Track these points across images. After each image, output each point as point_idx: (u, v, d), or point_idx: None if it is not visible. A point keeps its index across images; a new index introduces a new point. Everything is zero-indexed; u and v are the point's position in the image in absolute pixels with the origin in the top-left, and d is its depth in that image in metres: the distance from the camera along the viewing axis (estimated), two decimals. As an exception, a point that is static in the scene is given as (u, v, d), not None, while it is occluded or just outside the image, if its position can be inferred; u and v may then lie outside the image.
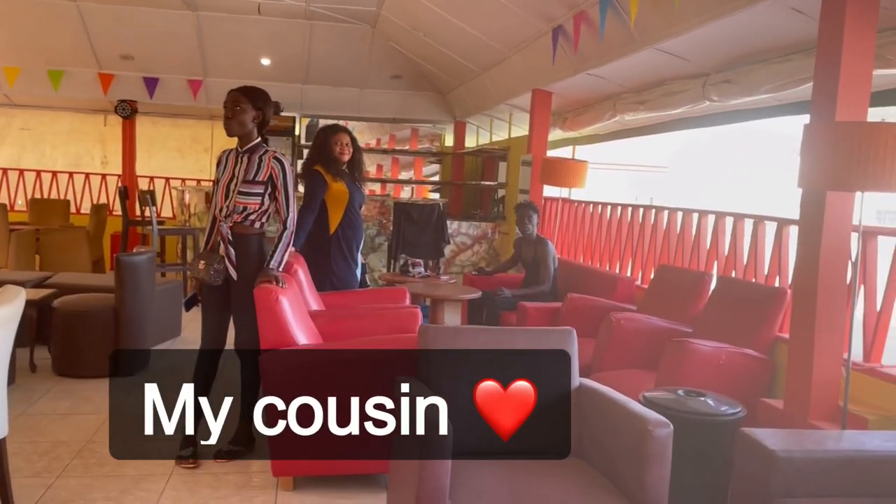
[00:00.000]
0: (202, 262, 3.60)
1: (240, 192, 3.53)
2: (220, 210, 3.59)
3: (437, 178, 11.96)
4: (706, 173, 21.28)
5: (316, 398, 3.30)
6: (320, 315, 4.14)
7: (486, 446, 2.83)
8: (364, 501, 3.23)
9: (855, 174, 2.71)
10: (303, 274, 4.21)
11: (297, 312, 3.55)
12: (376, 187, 11.94)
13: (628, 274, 5.91)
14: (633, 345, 4.30)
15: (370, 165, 12.20)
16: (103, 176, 11.58)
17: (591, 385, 2.93)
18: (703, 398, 3.30)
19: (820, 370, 3.16)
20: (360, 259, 5.02)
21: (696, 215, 5.08)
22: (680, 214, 5.30)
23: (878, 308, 3.35)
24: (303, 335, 3.50)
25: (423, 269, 6.30)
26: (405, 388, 2.74)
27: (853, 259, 3.01)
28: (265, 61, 9.85)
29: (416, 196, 11.74)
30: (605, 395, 2.79)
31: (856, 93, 3.04)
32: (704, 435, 3.19)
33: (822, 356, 3.17)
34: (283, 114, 10.03)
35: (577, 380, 2.95)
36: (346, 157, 4.73)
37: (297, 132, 10.48)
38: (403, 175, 12.19)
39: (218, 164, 3.67)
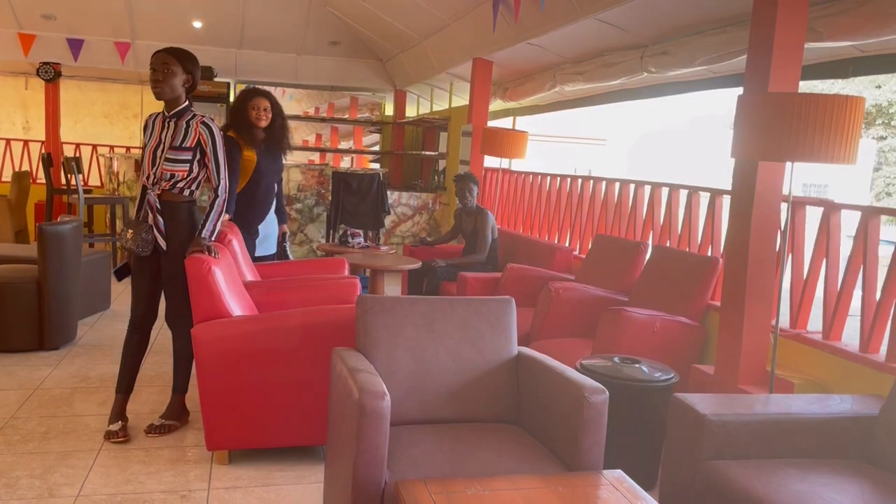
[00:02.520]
0: (130, 231, 3.46)
1: (167, 160, 3.39)
2: (148, 177, 3.45)
3: (377, 148, 11.81)
4: (643, 146, 21.67)
5: (251, 370, 3.25)
6: (256, 286, 4.04)
7: (428, 415, 2.82)
8: (302, 473, 3.19)
9: (786, 145, 2.76)
10: (237, 244, 4.10)
11: (230, 283, 3.46)
12: (315, 156, 11.73)
13: (567, 244, 5.97)
14: (570, 313, 4.36)
15: (309, 134, 11.96)
16: (25, 142, 11.02)
17: (530, 353, 2.94)
18: (637, 365, 3.37)
19: (749, 337, 3.26)
20: (277, 229, 4.82)
21: (632, 186, 5.15)
22: (617, 185, 5.36)
23: (805, 276, 3.46)
24: (237, 306, 3.41)
25: (362, 240, 6.23)
26: (342, 358, 2.70)
27: (782, 228, 3.09)
28: (197, 24, 9.48)
29: (356, 166, 11.58)
30: (543, 364, 2.80)
31: (788, 65, 3.10)
32: (639, 400, 3.26)
33: (752, 323, 3.26)
34: (216, 79, 9.81)
35: (515, 348, 2.96)
36: (263, 124, 4.42)
37: (231, 99, 10.16)
38: (343, 145, 12.00)
39: (144, 129, 3.51)
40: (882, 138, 25.06)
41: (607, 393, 2.46)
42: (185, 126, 3.41)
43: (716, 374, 3.41)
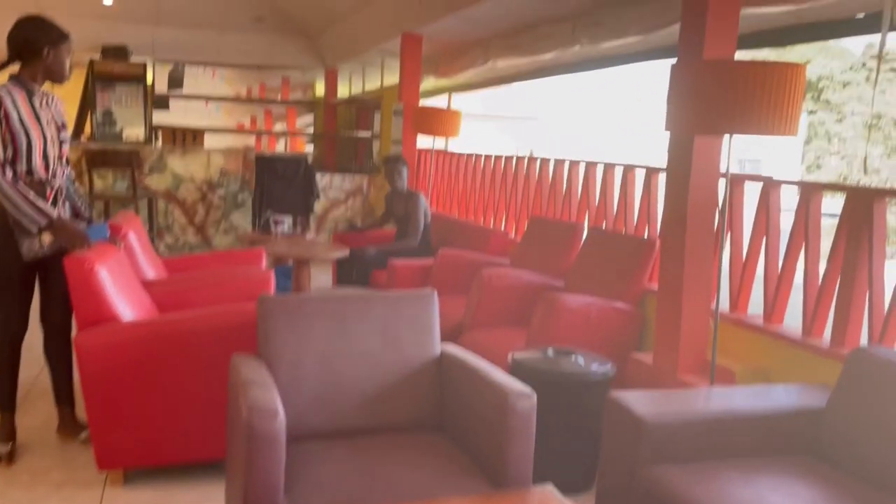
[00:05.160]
0: (49, 236, 3.01)
1: (62, 141, 3.06)
2: (48, 167, 3.01)
3: (310, 131, 11.36)
4: (577, 122, 21.61)
5: (145, 380, 2.90)
6: (158, 284, 3.67)
7: (340, 426, 2.54)
8: (206, 493, 2.87)
9: (724, 116, 2.54)
10: (135, 237, 3.71)
11: (120, 283, 3.08)
12: (251, 140, 11.22)
13: (502, 227, 5.72)
14: (504, 301, 4.11)
15: (244, 116, 11.43)
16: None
17: (453, 353, 2.67)
18: (572, 357, 3.14)
19: (688, 322, 3.06)
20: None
21: (566, 164, 4.91)
22: (551, 164, 5.13)
23: (744, 257, 3.28)
24: (129, 309, 3.04)
25: (286, 227, 5.85)
26: (238, 368, 2.39)
27: (720, 207, 2.88)
28: (107, 0, 8.86)
29: (289, 149, 11.12)
30: (467, 364, 2.54)
31: (724, 30, 2.89)
32: (574, 396, 3.03)
33: (691, 307, 3.06)
34: (133, 59, 9.21)
35: (438, 348, 2.69)
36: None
37: (149, 80, 9.56)
38: (278, 127, 11.50)
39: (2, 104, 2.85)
40: (812, 112, 25.65)
41: (534, 398, 2.21)
42: (50, 99, 3.06)
43: (654, 364, 3.21)
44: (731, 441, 2.35)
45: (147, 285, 3.60)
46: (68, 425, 3.28)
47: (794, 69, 2.45)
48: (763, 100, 2.45)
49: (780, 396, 2.52)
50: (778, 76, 2.43)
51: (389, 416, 2.57)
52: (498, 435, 2.21)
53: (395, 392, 2.59)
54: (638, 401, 2.40)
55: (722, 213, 2.80)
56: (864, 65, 24.56)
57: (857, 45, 24.65)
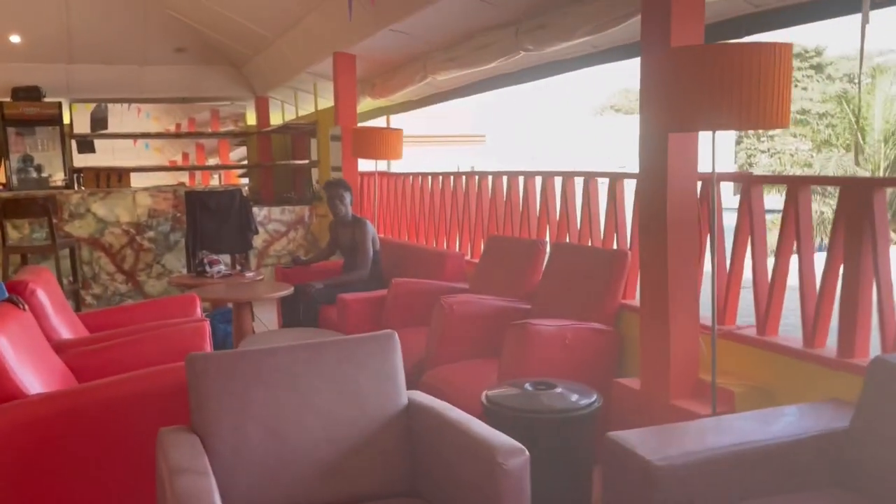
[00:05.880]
0: None
1: None
2: None
3: (245, 162, 10.86)
4: (525, 139, 21.57)
5: (53, 469, 2.44)
6: (74, 345, 3.20)
7: (298, 500, 2.14)
8: None
9: (701, 110, 2.26)
10: (44, 294, 3.23)
11: (25, 350, 2.62)
12: (184, 177, 10.64)
13: (457, 249, 5.39)
14: (468, 331, 3.76)
15: (175, 154, 10.85)
16: None
17: (422, 401, 2.31)
18: (554, 389, 2.80)
19: (678, 341, 2.76)
20: None
21: (521, 178, 4.61)
22: (505, 178, 4.82)
23: (728, 263, 3.01)
24: (37, 380, 2.59)
25: (223, 268, 5.38)
26: (165, 449, 1.97)
27: (712, 209, 2.60)
28: (15, 38, 8.26)
29: (224, 183, 10.58)
30: (441, 415, 2.18)
31: (690, 16, 2.62)
32: (560, 434, 2.70)
33: (679, 324, 2.77)
34: (46, 100, 8.62)
35: (404, 397, 2.32)
36: None
37: (66, 120, 8.96)
38: (211, 162, 10.96)
39: None
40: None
41: (527, 454, 1.86)
42: None
43: (642, 389, 2.90)
44: (749, 478, 2.04)
45: (62, 348, 3.13)
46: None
47: (781, 49, 2.19)
48: (747, 88, 2.18)
49: (794, 420, 2.23)
50: (763, 59, 2.16)
51: (355, 485, 2.18)
52: (488, 500, 1.85)
53: (359, 456, 2.21)
54: (640, 440, 2.07)
55: (711, 217, 2.51)
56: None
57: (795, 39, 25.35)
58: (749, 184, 2.85)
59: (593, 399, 2.76)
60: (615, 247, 3.72)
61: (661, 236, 2.74)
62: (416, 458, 2.24)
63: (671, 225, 2.71)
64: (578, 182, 4.07)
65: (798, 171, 22.09)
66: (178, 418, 2.29)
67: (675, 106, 2.36)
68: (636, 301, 3.51)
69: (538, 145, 21.61)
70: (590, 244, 3.91)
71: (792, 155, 25.17)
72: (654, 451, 1.99)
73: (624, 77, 30.63)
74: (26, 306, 2.91)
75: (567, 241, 4.09)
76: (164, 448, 1.97)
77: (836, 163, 18.34)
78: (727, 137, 23.92)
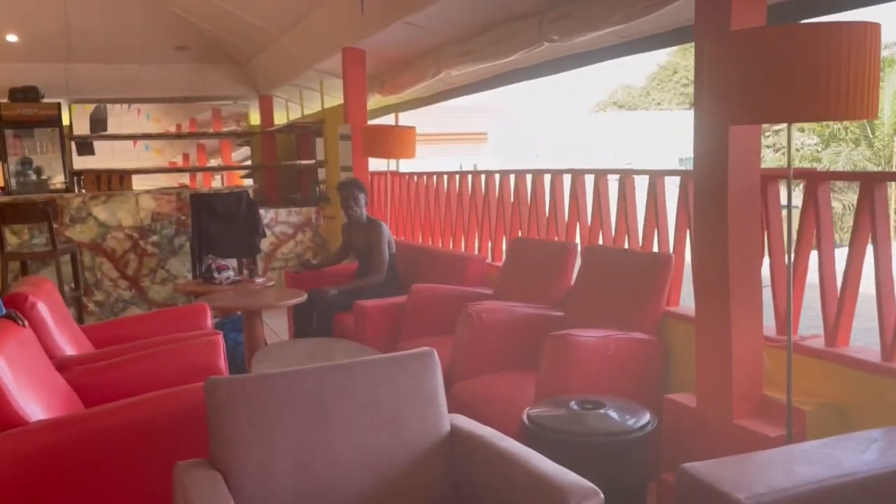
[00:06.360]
0: None
1: None
2: None
3: (248, 163, 10.62)
4: (526, 136, 21.26)
5: (61, 500, 2.21)
6: (79, 363, 2.96)
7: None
8: None
9: (772, 100, 2.02)
10: (45, 308, 2.99)
11: (26, 372, 2.39)
12: (185, 178, 10.41)
13: (476, 251, 5.14)
14: (498, 341, 3.52)
15: (175, 155, 10.63)
16: None
17: (467, 427, 2.07)
18: (602, 410, 2.57)
19: (740, 354, 2.52)
20: None
21: (548, 177, 4.37)
22: (529, 177, 4.57)
23: (790, 267, 2.75)
24: (39, 406, 2.35)
25: (231, 273, 5.14)
26: (183, 485, 1.73)
27: (791, 209, 2.36)
28: (11, 38, 8.02)
29: (227, 184, 10.35)
30: (491, 445, 1.94)
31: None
32: (612, 459, 2.46)
33: (741, 336, 2.52)
34: (44, 100, 8.38)
35: (446, 423, 2.08)
36: None
37: (66, 121, 8.72)
38: (213, 163, 10.74)
39: None
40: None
41: (601, 496, 1.62)
42: None
43: (699, 407, 2.65)
44: (846, 514, 1.80)
45: (65, 366, 2.90)
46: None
47: (870, 29, 1.95)
48: (834, 74, 1.93)
49: (886, 446, 1.99)
50: (854, 40, 1.92)
51: (395, 523, 1.95)
52: (556, 550, 1.61)
53: (397, 489, 1.98)
54: (719, 473, 1.83)
55: (789, 218, 2.27)
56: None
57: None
58: (816, 181, 2.60)
59: (647, 420, 2.53)
60: (655, 249, 3.48)
61: (721, 239, 2.50)
62: (462, 493, 2.00)
63: (732, 226, 2.47)
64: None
65: (805, 167, 21.79)
66: (194, 444, 2.06)
67: (741, 96, 2.12)
68: (681, 308, 3.28)
69: (540, 143, 21.29)
70: (626, 246, 3.67)
71: (798, 150, 24.86)
72: (738, 486, 1.74)
73: (625, 74, 30.41)
74: (26, 322, 2.68)
75: (600, 242, 3.85)
76: (181, 485, 1.73)
77: (846, 157, 18.09)
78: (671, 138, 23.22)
